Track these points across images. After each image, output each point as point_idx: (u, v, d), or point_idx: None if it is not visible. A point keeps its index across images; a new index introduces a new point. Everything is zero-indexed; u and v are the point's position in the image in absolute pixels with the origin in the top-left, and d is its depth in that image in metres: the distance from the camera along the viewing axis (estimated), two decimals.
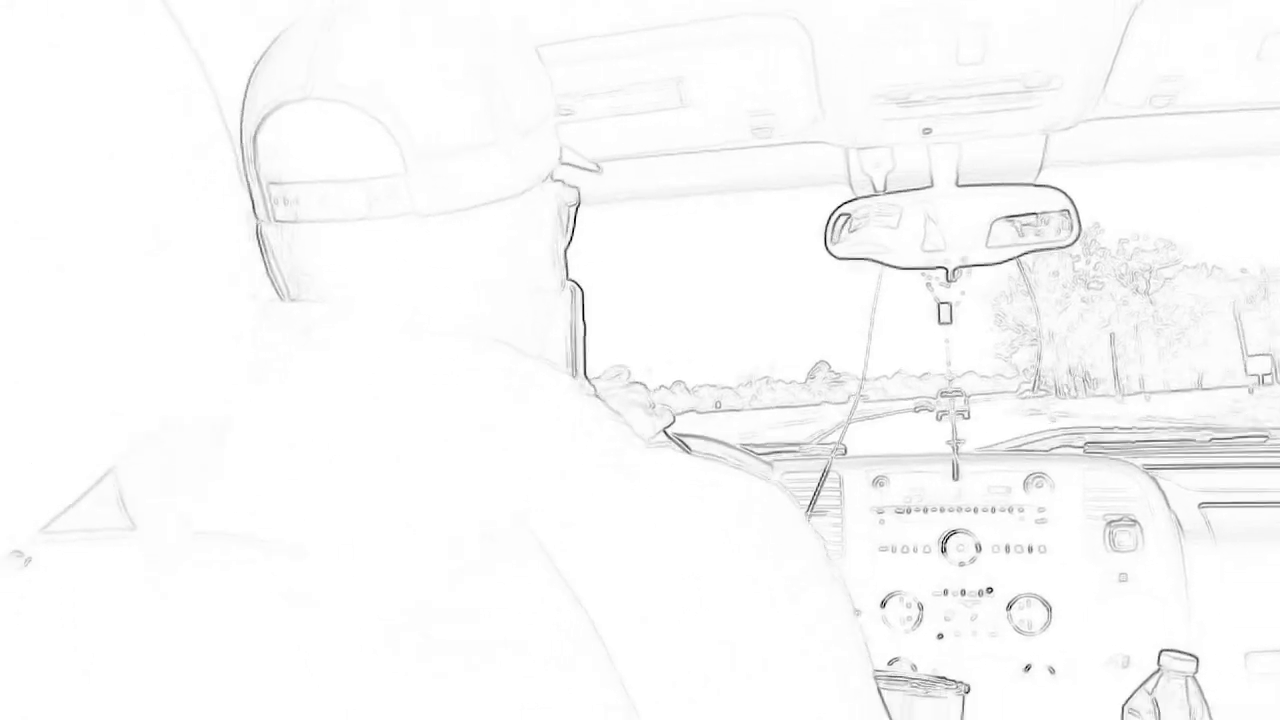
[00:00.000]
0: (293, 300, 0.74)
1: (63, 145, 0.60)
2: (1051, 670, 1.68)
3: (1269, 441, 1.99)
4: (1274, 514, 1.74)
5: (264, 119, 0.71)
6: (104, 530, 0.66)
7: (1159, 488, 1.75)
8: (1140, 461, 1.83)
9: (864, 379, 1.88)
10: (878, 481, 1.78)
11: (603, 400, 0.75)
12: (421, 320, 0.72)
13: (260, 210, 0.73)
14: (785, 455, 1.95)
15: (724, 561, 0.64)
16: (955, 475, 1.77)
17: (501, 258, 0.75)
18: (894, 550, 1.76)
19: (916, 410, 1.86)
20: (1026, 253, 1.62)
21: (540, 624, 0.60)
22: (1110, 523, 1.71)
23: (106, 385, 0.63)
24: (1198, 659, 1.34)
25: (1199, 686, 1.33)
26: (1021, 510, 1.74)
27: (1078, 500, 1.73)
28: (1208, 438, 2.03)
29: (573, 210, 0.85)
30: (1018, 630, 1.69)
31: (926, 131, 1.51)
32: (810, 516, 1.77)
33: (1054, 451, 1.95)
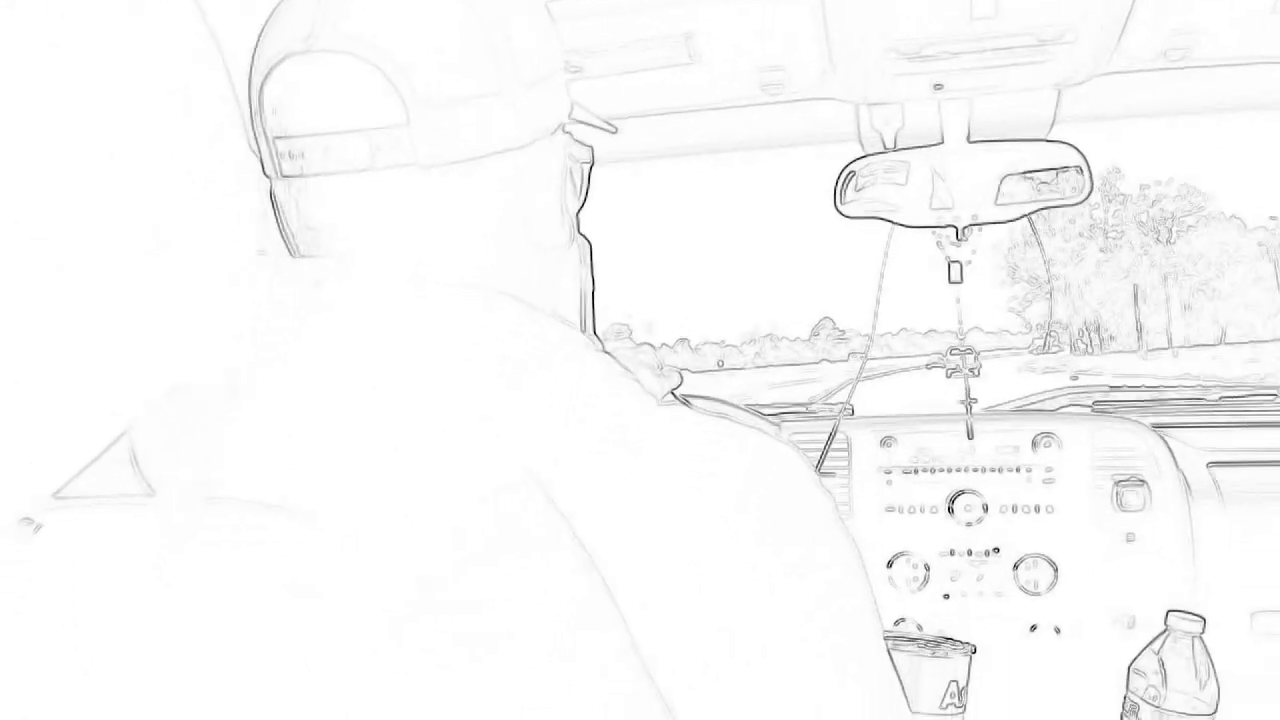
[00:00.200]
0: (303, 256, 0.75)
1: (63, 145, 0.61)
2: (1057, 630, 1.68)
3: (1279, 399, 1.98)
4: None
5: (269, 73, 0.71)
6: (117, 495, 0.66)
7: (1167, 447, 1.74)
8: (1149, 420, 1.82)
9: (872, 336, 1.87)
10: (885, 442, 1.78)
11: (613, 356, 0.74)
12: (426, 273, 0.72)
13: (268, 166, 0.73)
14: (792, 416, 1.94)
15: (728, 536, 0.64)
16: (970, 435, 1.76)
17: (506, 211, 0.75)
18: (901, 510, 1.76)
19: (929, 368, 1.84)
20: (1038, 210, 1.60)
21: (547, 590, 0.59)
22: (1118, 482, 1.70)
23: (115, 351, 0.63)
24: (1204, 619, 1.33)
25: (1205, 646, 1.33)
26: (1029, 470, 1.73)
27: (1085, 460, 1.73)
28: (1217, 396, 2.02)
29: (586, 169, 0.84)
30: (1024, 590, 1.70)
31: (938, 87, 1.49)
32: (819, 477, 1.76)
33: (1062, 411, 1.94)
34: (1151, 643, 1.35)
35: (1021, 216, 1.61)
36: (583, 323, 0.88)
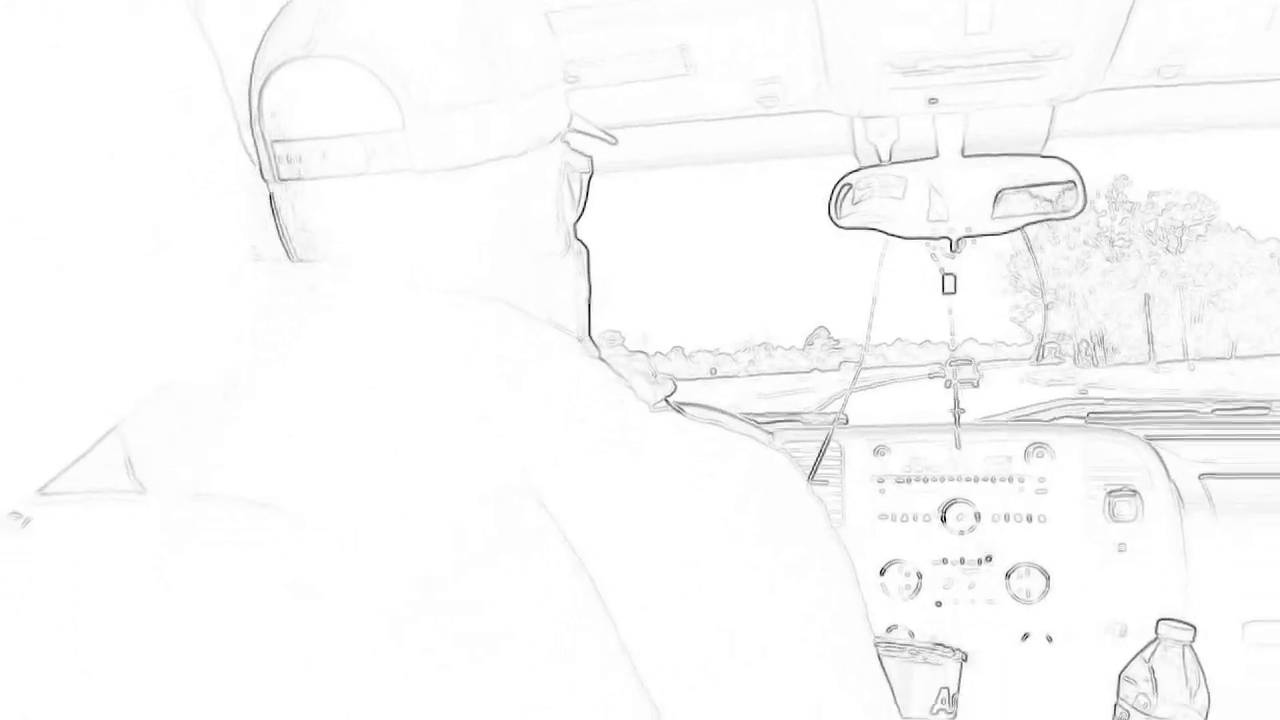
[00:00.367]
0: (299, 260, 0.75)
1: (63, 145, 0.60)
2: (1049, 639, 1.69)
3: (1271, 413, 1.99)
4: (1274, 485, 1.75)
5: (269, 77, 0.72)
6: (105, 492, 0.67)
7: (1160, 458, 1.75)
8: (1141, 432, 1.83)
9: (866, 346, 1.88)
10: (879, 450, 1.79)
11: (608, 363, 0.75)
12: (421, 278, 0.72)
13: (266, 170, 0.74)
14: (786, 425, 1.95)
15: (727, 537, 0.65)
16: (958, 444, 1.77)
17: (501, 218, 0.75)
18: (894, 519, 1.77)
19: (931, 377, 1.86)
20: (1032, 223, 1.62)
21: (547, 590, 0.60)
22: (1110, 492, 1.72)
23: (112, 349, 0.63)
24: (1195, 628, 1.35)
25: (1196, 655, 1.34)
26: (1022, 480, 1.75)
27: (1078, 470, 1.74)
28: (1209, 409, 2.03)
29: (585, 179, 0.85)
30: (1016, 599, 1.70)
31: (932, 101, 1.50)
32: (811, 485, 1.77)
33: (1055, 422, 1.96)
34: (1142, 651, 1.36)
35: (1015, 229, 1.62)
36: (581, 330, 0.88)
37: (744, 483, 0.68)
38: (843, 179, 1.64)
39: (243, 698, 0.58)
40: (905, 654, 1.26)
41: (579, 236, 0.86)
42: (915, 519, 1.76)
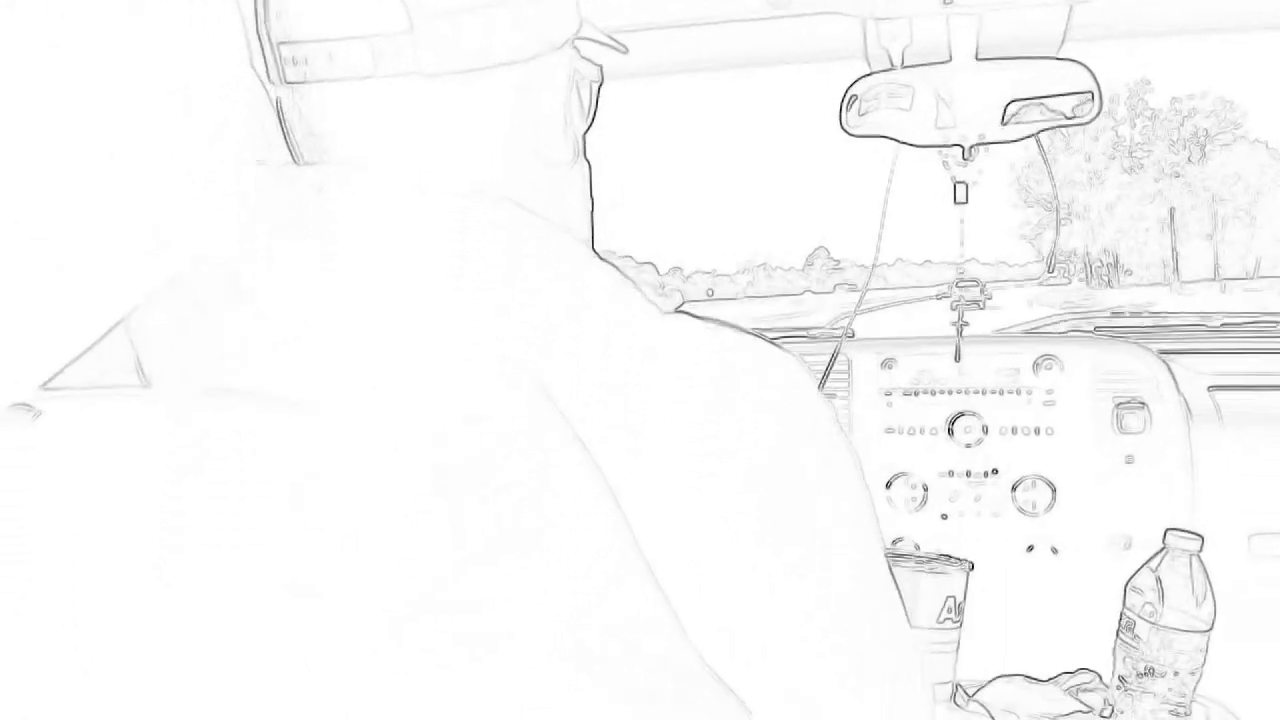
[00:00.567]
0: (306, 164, 0.74)
1: (63, 144, 0.61)
2: (1054, 550, 1.69)
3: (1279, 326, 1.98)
4: None
5: None
6: (114, 387, 0.67)
7: (1169, 370, 1.74)
8: (1150, 345, 1.81)
9: (875, 265, 1.85)
10: (886, 364, 1.78)
11: (617, 268, 0.75)
12: (429, 181, 0.72)
13: (272, 73, 0.73)
14: (794, 339, 1.94)
15: (747, 443, 0.65)
16: (957, 357, 1.76)
17: (510, 123, 0.75)
18: (901, 432, 1.76)
19: (938, 298, 1.83)
20: (1045, 130, 1.58)
21: (547, 591, 0.60)
22: (1119, 405, 1.71)
23: (113, 241, 0.63)
24: (1203, 538, 1.34)
25: (1203, 564, 1.34)
26: (1030, 392, 1.73)
27: (1086, 382, 1.73)
28: (1218, 322, 2.01)
29: (595, 87, 0.84)
30: (1022, 511, 1.71)
31: (947, 2, 1.45)
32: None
33: (1064, 334, 1.94)
34: (1149, 560, 1.36)
35: (1029, 136, 1.59)
36: (587, 243, 0.88)
37: (759, 382, 0.68)
38: (852, 85, 1.59)
39: (243, 699, 0.59)
40: (912, 563, 1.26)
41: (586, 154, 0.86)
42: (922, 432, 1.75)
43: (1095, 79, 1.54)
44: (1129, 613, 1.34)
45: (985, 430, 1.73)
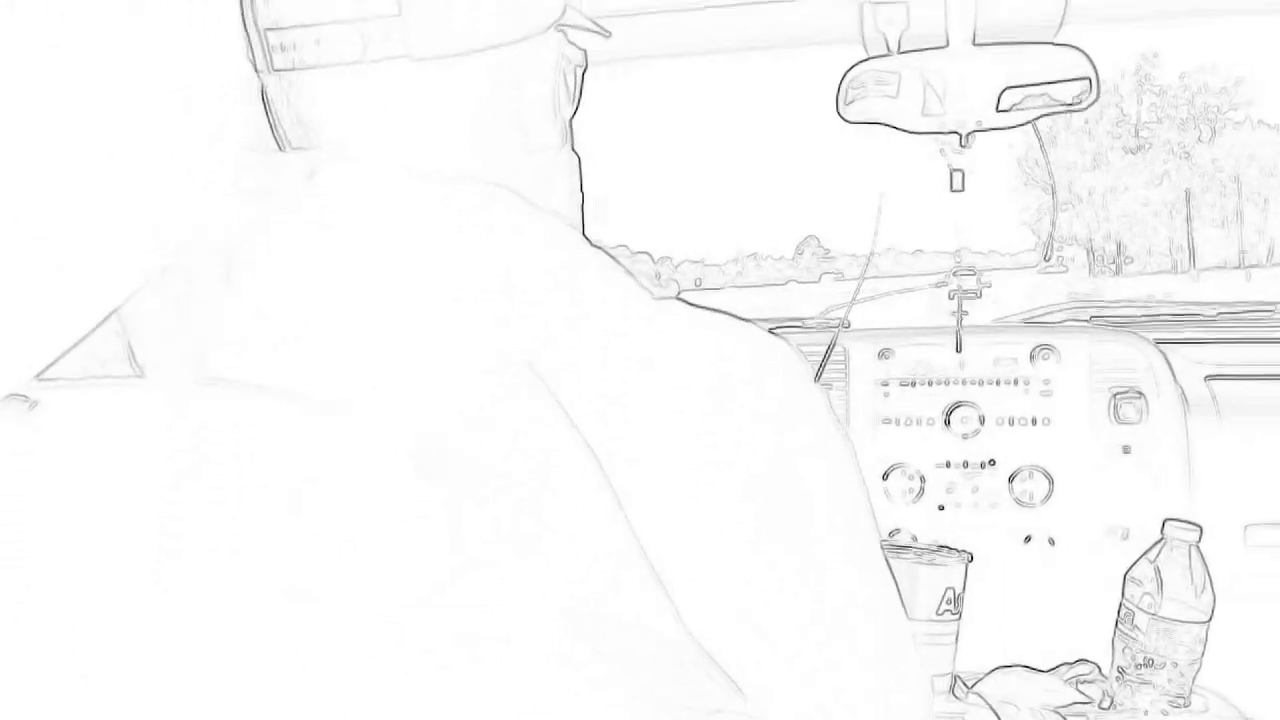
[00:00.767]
0: (294, 150, 0.74)
1: (63, 144, 0.61)
2: (1051, 541, 1.69)
3: (1276, 314, 1.98)
4: (1278, 387, 1.74)
5: None
6: (108, 376, 0.66)
7: (1166, 360, 1.73)
8: (1147, 335, 1.81)
9: (873, 253, 1.84)
10: (883, 354, 1.76)
11: (611, 256, 0.74)
12: (418, 165, 0.71)
13: (260, 60, 0.72)
14: (790, 329, 1.92)
15: (743, 421, 0.65)
16: (958, 347, 1.75)
17: (497, 107, 0.74)
18: (898, 422, 1.75)
19: (936, 286, 1.82)
20: (1042, 116, 1.56)
21: (546, 592, 0.59)
22: (1115, 395, 1.70)
23: (106, 231, 0.63)
24: (1201, 528, 1.34)
25: (1201, 555, 1.33)
26: (1027, 382, 1.72)
27: (1083, 372, 1.72)
28: (1215, 312, 2.01)
29: (580, 71, 0.83)
30: (1019, 502, 1.70)
31: None
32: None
33: (1061, 324, 1.93)
34: (1148, 551, 1.35)
35: (1027, 122, 1.57)
36: (577, 229, 0.87)
37: (752, 365, 0.68)
38: (849, 70, 1.58)
39: (244, 699, 0.59)
40: (911, 555, 1.25)
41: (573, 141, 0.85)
42: (919, 423, 1.74)
43: (1093, 65, 1.53)
44: (1128, 604, 1.33)
45: (982, 421, 1.72)
